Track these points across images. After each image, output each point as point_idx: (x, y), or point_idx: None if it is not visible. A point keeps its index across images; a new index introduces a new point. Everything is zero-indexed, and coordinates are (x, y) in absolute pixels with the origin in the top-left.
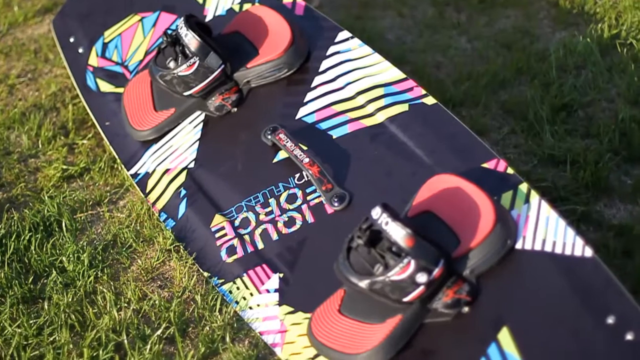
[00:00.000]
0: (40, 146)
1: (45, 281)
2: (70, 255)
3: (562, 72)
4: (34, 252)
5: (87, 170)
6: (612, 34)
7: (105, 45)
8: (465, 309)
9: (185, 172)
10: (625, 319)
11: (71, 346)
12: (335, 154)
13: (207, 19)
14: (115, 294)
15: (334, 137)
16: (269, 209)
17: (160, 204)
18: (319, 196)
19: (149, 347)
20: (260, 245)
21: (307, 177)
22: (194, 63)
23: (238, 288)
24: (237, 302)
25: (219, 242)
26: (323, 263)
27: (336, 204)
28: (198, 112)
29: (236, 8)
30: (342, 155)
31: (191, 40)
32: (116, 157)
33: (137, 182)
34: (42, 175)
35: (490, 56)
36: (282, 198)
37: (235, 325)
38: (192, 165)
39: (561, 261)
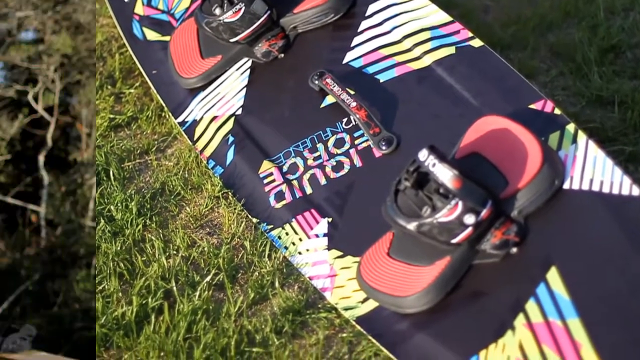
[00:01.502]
0: None
1: None
2: (119, 204)
3: (609, 14)
4: None
5: (135, 119)
6: None
7: None
8: (514, 250)
9: (232, 119)
10: None
11: (120, 294)
12: (382, 97)
13: None
14: (164, 241)
15: (381, 81)
16: (317, 154)
17: (208, 152)
18: (367, 140)
19: (198, 293)
20: (309, 190)
21: (355, 121)
22: (240, 9)
23: (287, 233)
24: (286, 248)
25: (267, 188)
26: (371, 206)
27: (384, 148)
28: (245, 59)
29: None
30: (389, 98)
31: None
32: (163, 105)
33: (184, 130)
34: None
35: None
36: (330, 143)
37: (284, 270)
38: (239, 112)
39: (609, 200)
